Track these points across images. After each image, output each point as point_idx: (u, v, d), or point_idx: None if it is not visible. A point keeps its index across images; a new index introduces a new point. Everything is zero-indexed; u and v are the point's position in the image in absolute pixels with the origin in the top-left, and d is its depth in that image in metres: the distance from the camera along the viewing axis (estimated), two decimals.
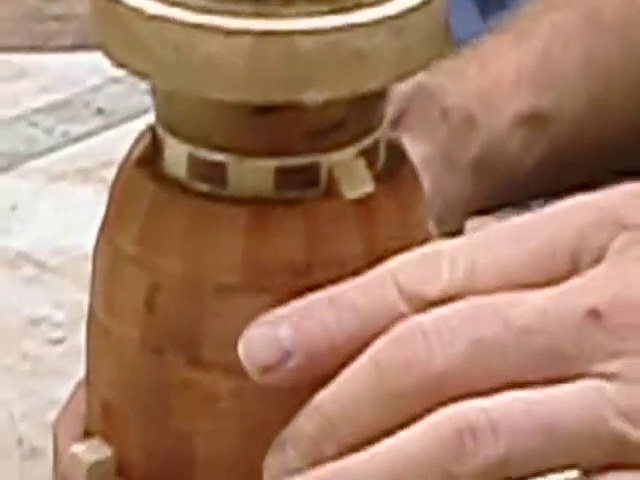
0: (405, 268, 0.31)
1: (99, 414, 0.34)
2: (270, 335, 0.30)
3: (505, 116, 0.63)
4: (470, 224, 0.47)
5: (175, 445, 0.32)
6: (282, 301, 0.29)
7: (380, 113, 0.34)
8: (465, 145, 0.62)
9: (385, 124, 0.34)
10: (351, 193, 0.32)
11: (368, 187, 0.32)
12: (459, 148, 0.62)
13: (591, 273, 0.31)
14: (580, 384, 0.30)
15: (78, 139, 0.56)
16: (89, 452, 0.34)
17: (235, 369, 0.30)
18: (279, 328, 0.30)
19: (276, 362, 0.30)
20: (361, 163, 0.32)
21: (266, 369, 0.30)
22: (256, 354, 0.30)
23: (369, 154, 0.34)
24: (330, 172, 0.32)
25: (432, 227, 0.36)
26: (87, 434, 0.35)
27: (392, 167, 0.35)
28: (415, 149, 0.51)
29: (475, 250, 0.32)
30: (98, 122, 0.57)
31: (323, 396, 0.30)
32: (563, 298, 0.31)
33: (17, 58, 0.66)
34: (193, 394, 0.31)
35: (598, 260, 0.32)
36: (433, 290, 0.31)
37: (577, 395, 0.31)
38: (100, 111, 0.58)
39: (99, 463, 0.34)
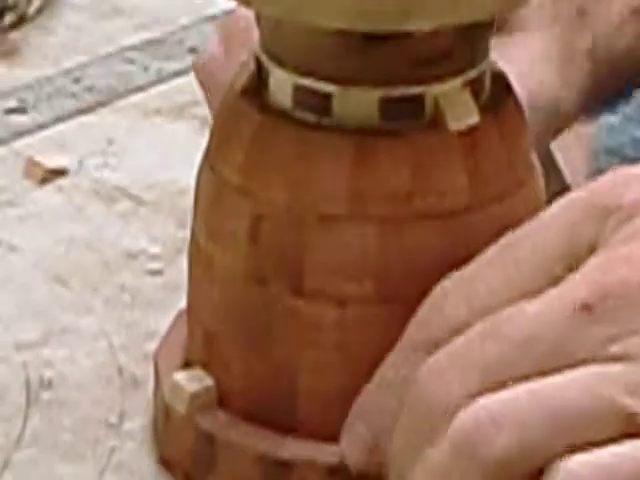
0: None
1: (201, 344, 0.35)
2: None
3: (615, 8, 0.63)
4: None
5: (277, 375, 0.32)
6: (386, 231, 0.29)
7: (486, 44, 0.33)
8: (580, 37, 0.62)
9: (490, 56, 0.33)
10: (456, 124, 0.31)
11: (473, 119, 0.32)
12: (575, 40, 0.62)
13: (581, 269, 0.32)
14: (582, 370, 0.31)
15: (172, 76, 0.57)
16: (191, 381, 0.34)
17: (338, 298, 0.30)
18: None
19: None
20: (466, 94, 0.32)
21: None
22: None
23: (474, 85, 0.33)
24: (435, 103, 0.31)
25: (534, 159, 0.36)
26: (188, 364, 0.36)
27: (497, 99, 0.35)
28: (533, 44, 0.54)
29: (472, 289, 0.33)
30: (190, 61, 0.58)
31: None
32: (555, 300, 0.32)
33: None
34: (296, 324, 0.31)
35: (591, 253, 0.33)
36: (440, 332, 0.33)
37: (580, 378, 0.32)
38: (192, 50, 0.59)
39: (201, 392, 0.34)
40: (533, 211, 0.33)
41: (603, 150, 0.74)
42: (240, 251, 0.31)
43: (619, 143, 0.74)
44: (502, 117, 0.33)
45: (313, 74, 0.31)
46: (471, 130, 0.31)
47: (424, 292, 0.29)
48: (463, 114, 0.31)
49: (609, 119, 0.74)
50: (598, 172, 0.73)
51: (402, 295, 0.30)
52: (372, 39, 0.29)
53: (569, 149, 0.67)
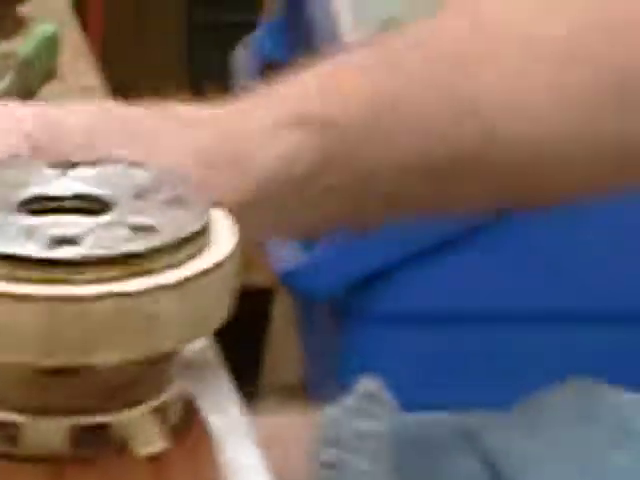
0: None
1: None
2: None
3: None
4: None
5: None
6: None
7: (170, 371, 0.35)
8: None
9: (176, 382, 0.36)
10: (142, 450, 0.33)
11: (158, 444, 0.34)
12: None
13: None
14: None
15: None
16: None
17: None
18: None
19: None
20: (153, 421, 0.34)
21: None
22: None
23: (161, 412, 0.35)
24: (123, 430, 0.33)
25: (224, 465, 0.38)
26: None
27: (184, 423, 0.37)
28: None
29: None
30: None
31: None
32: None
33: None
34: None
35: None
36: None
37: None
38: None
39: None
40: None
41: (323, 440, 0.78)
42: None
43: (338, 434, 0.78)
44: (190, 441, 0.35)
45: (1, 405, 0.32)
46: (159, 455, 0.33)
47: None
48: (148, 440, 0.33)
49: (331, 410, 0.79)
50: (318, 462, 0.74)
51: None
52: (58, 372, 0.31)
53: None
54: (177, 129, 0.57)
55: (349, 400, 0.82)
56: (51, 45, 0.91)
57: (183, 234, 0.34)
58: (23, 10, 0.98)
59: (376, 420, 0.80)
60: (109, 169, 0.40)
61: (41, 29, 0.88)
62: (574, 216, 0.91)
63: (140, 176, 0.40)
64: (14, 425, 0.32)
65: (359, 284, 1.10)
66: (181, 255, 0.33)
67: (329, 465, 0.77)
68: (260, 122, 0.60)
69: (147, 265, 0.33)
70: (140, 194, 0.38)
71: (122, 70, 2.17)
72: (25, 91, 0.79)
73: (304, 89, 0.64)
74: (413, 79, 0.71)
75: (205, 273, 0.34)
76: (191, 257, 0.34)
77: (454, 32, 0.75)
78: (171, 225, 0.35)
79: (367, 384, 0.80)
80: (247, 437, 0.53)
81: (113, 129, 0.55)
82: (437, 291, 1.09)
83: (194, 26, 2.18)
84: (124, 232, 0.34)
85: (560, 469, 0.80)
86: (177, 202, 0.37)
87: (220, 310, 0.34)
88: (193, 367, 0.50)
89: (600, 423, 0.85)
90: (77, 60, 0.92)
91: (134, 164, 0.39)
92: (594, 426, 0.85)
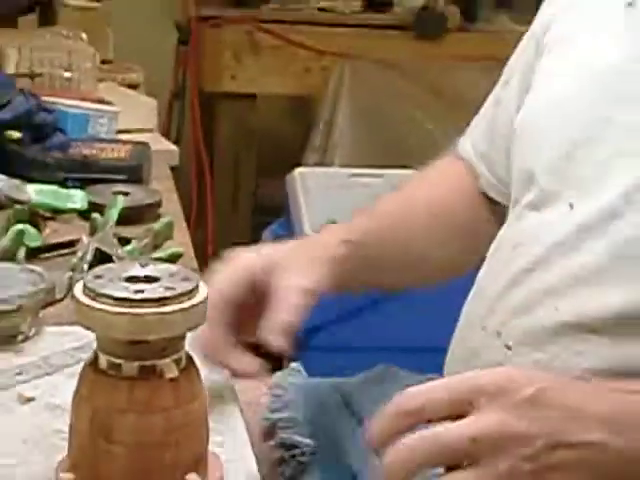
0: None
1: None
2: None
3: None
4: None
5: None
6: None
7: (184, 341, 0.70)
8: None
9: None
10: (168, 376, 0.67)
11: (175, 373, 0.68)
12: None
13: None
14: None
15: None
16: None
17: None
18: None
19: None
20: (173, 364, 0.68)
21: None
22: None
23: (178, 360, 0.68)
24: (160, 367, 0.67)
25: None
26: None
27: (187, 365, 0.70)
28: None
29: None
30: None
31: None
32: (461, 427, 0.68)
33: None
34: None
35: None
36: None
37: None
38: None
39: None
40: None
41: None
42: None
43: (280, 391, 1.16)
44: (188, 373, 0.68)
45: (112, 355, 0.68)
46: (174, 378, 0.67)
47: None
48: (170, 371, 0.67)
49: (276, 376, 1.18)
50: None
51: None
52: (137, 342, 0.67)
53: None
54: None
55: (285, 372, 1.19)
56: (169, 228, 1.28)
57: (191, 287, 0.67)
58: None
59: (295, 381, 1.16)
60: (159, 267, 0.73)
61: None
62: None
63: (171, 268, 0.73)
64: (118, 365, 0.66)
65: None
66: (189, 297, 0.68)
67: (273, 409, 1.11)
68: (329, 240, 1.03)
69: (176, 301, 0.66)
70: (171, 275, 0.71)
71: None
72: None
73: (343, 228, 1.07)
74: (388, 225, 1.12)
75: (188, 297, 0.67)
76: (192, 296, 0.67)
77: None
78: (183, 286, 0.68)
79: (295, 366, 1.19)
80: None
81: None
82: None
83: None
84: (163, 288, 0.67)
85: None
86: (186, 279, 0.70)
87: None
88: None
89: (396, 384, 1.10)
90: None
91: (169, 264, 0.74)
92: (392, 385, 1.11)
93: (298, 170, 2.06)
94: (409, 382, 0.97)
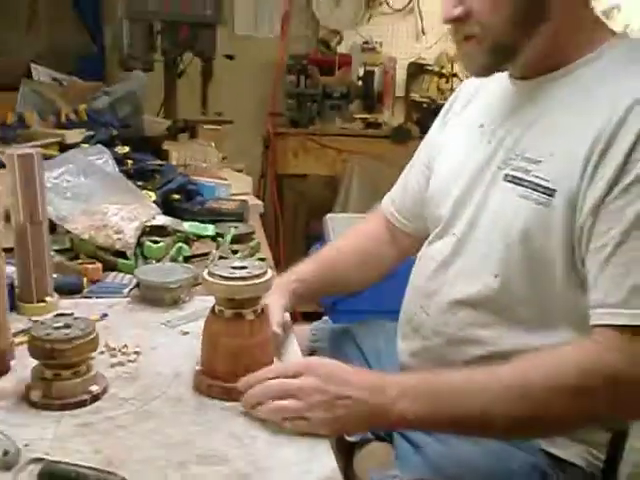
0: None
1: None
2: None
3: None
4: None
5: None
6: None
7: (262, 298, 0.77)
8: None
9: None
10: (249, 318, 0.73)
11: (253, 316, 0.74)
12: None
13: None
14: None
15: None
16: None
17: None
18: None
19: None
20: (253, 311, 0.76)
21: None
22: None
23: (257, 310, 0.74)
24: (245, 312, 0.75)
25: None
26: None
27: (263, 312, 0.74)
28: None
29: None
30: None
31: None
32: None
33: None
34: None
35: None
36: None
37: None
38: None
39: None
40: None
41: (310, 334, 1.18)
42: None
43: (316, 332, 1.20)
44: (263, 316, 0.77)
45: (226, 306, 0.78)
46: (253, 319, 0.76)
47: None
48: (251, 316, 0.77)
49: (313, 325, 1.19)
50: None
51: None
52: (236, 303, 0.79)
53: None
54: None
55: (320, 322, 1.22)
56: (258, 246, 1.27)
57: (261, 272, 0.76)
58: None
59: (325, 326, 1.20)
60: (248, 262, 0.78)
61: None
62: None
63: (254, 263, 0.80)
64: (222, 311, 0.76)
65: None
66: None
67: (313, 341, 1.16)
68: (288, 277, 1.00)
69: (252, 279, 0.75)
70: (253, 266, 0.78)
71: None
72: None
73: (296, 271, 1.03)
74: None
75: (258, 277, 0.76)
76: (261, 277, 0.76)
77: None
78: (257, 272, 0.76)
79: (325, 319, 1.21)
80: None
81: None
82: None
83: None
84: (246, 272, 0.75)
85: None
86: (261, 268, 0.77)
87: None
88: None
89: (378, 327, 1.15)
90: None
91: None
92: (377, 328, 1.14)
93: (329, 215, 2.21)
94: (387, 327, 1.11)
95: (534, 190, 0.76)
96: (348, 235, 1.12)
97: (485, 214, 0.84)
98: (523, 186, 0.78)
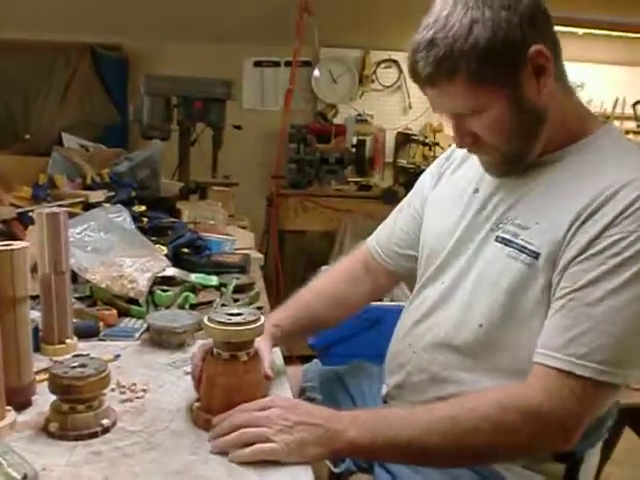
0: None
1: None
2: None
3: None
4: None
5: None
6: None
7: (254, 341, 0.73)
8: None
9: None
10: (243, 359, 0.67)
11: (246, 357, 0.70)
12: None
13: None
14: None
15: None
16: None
17: None
18: None
19: None
20: (246, 354, 0.74)
21: None
22: None
23: (250, 354, 0.70)
24: (240, 355, 0.70)
25: None
26: None
27: (255, 354, 0.70)
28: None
29: None
30: None
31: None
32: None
33: None
34: None
35: None
36: None
37: None
38: None
39: None
40: None
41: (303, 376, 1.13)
42: None
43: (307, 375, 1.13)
44: (255, 358, 0.74)
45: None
46: (246, 360, 0.75)
47: None
48: (245, 357, 0.76)
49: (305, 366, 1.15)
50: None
51: None
52: (231, 345, 0.76)
53: None
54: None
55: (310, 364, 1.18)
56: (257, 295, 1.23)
57: (255, 319, 0.74)
58: None
59: (315, 367, 1.16)
60: (244, 309, 0.77)
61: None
62: None
63: (249, 310, 0.77)
64: (219, 353, 0.74)
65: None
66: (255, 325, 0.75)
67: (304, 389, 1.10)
68: (268, 323, 0.92)
69: (246, 324, 0.73)
70: (248, 313, 0.75)
71: None
72: None
73: (275, 316, 0.98)
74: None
75: (253, 322, 0.74)
76: (255, 322, 0.73)
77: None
78: (251, 318, 0.74)
79: (316, 361, 1.18)
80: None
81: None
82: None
83: None
84: (241, 318, 0.74)
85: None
86: (254, 314, 0.75)
87: None
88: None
89: (364, 370, 1.15)
90: None
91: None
92: (362, 371, 1.15)
93: (324, 267, 2.12)
94: (371, 370, 1.11)
95: (521, 252, 0.77)
96: (322, 277, 1.09)
97: (474, 268, 0.84)
98: (512, 247, 0.79)
